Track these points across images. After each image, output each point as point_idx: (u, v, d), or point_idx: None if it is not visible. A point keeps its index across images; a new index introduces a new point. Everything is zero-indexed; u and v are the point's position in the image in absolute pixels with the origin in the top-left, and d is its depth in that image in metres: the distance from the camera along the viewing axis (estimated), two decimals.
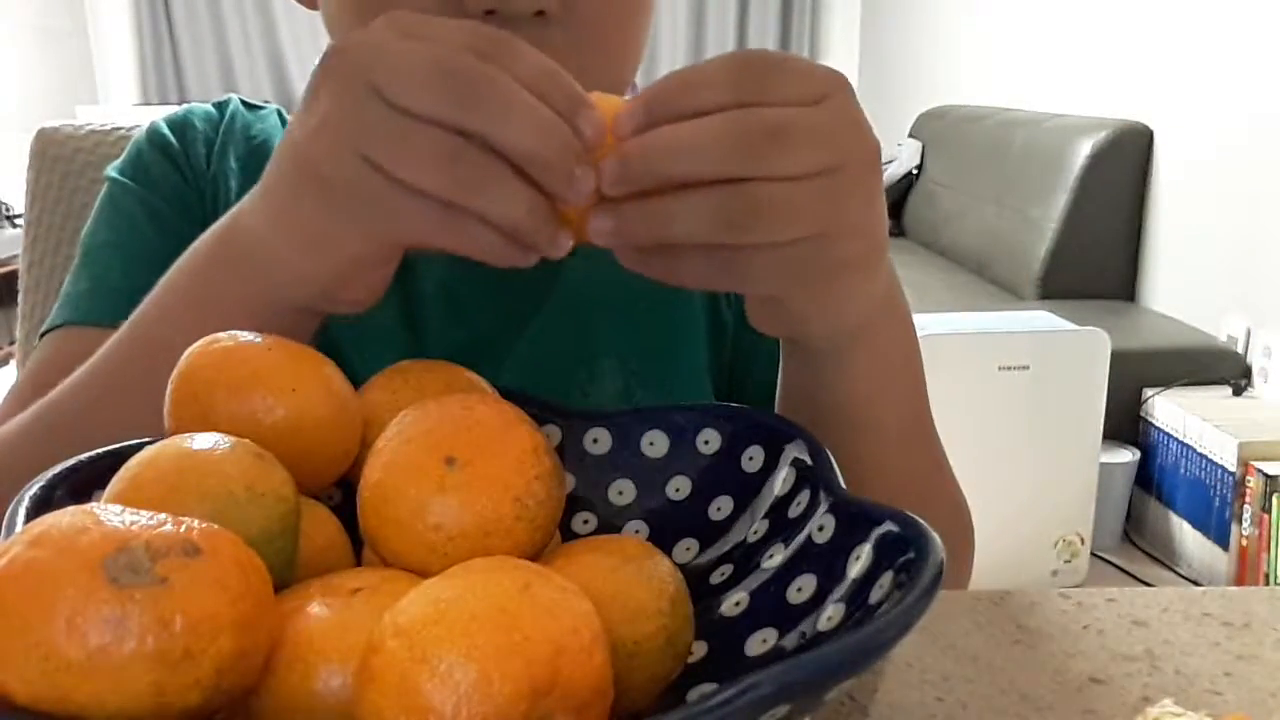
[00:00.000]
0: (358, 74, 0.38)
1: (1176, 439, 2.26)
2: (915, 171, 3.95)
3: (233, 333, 0.38)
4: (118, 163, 0.65)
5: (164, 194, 0.64)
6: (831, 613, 0.34)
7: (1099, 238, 2.79)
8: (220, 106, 0.69)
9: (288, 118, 0.70)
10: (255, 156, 0.66)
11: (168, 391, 0.37)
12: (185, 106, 0.69)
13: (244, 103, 0.69)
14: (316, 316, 0.46)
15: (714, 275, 0.40)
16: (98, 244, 0.63)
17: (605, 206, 0.38)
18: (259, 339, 0.38)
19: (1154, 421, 2.34)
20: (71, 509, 0.27)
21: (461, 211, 0.38)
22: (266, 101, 0.71)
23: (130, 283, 0.61)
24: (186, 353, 0.37)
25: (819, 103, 0.39)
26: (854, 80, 5.21)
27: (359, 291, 0.44)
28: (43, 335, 0.61)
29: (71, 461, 0.35)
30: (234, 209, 0.47)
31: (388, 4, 0.53)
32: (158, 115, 0.68)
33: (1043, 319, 2.20)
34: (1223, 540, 2.14)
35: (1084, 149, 2.76)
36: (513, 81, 0.37)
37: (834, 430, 0.46)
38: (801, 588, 0.36)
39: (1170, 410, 2.28)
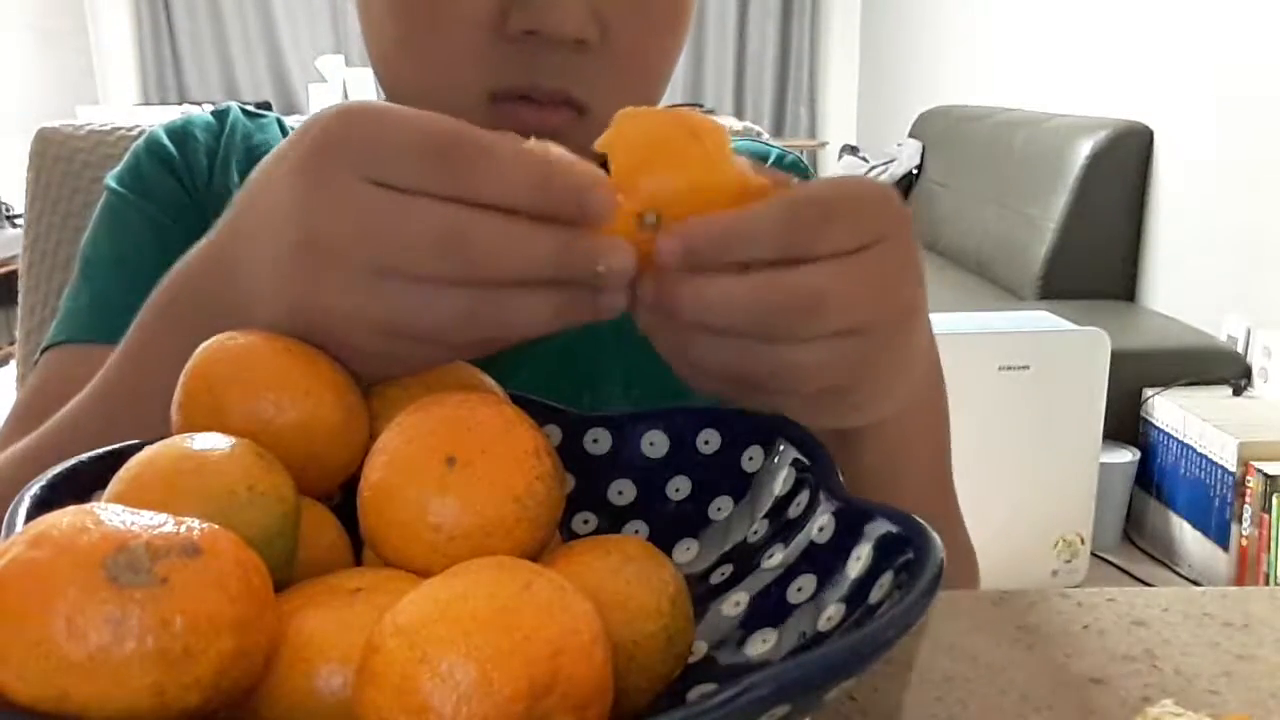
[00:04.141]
0: (355, 255, 0.36)
1: (1176, 439, 2.27)
2: (915, 171, 3.95)
3: (248, 330, 0.38)
4: (116, 171, 0.65)
5: (164, 205, 0.63)
6: (831, 613, 0.34)
7: (1099, 238, 2.79)
8: (220, 115, 0.68)
9: (288, 127, 0.70)
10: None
11: (179, 384, 0.37)
12: (184, 115, 0.68)
13: (244, 110, 0.69)
14: None
15: (725, 390, 0.41)
16: (98, 257, 0.63)
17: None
18: (276, 339, 0.38)
19: (1154, 421, 2.34)
20: (71, 509, 0.27)
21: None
22: (267, 103, 0.71)
23: (131, 300, 0.61)
24: (201, 347, 0.37)
25: (869, 248, 0.37)
26: (854, 80, 5.23)
27: None
28: (44, 350, 0.61)
29: (72, 462, 0.35)
30: (209, 266, 0.44)
31: (433, 8, 0.53)
32: (158, 115, 0.68)
33: (1043, 319, 2.20)
34: (1223, 540, 2.14)
35: (1084, 149, 2.76)
36: (502, 224, 0.35)
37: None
38: (801, 588, 0.36)
39: (1170, 410, 2.28)
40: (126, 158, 0.65)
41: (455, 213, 0.35)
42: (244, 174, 0.65)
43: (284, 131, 0.69)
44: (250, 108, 0.70)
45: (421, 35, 0.54)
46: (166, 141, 0.65)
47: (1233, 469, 2.08)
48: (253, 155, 0.66)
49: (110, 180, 0.64)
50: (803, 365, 0.37)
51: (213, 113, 0.68)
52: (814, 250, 0.36)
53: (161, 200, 0.64)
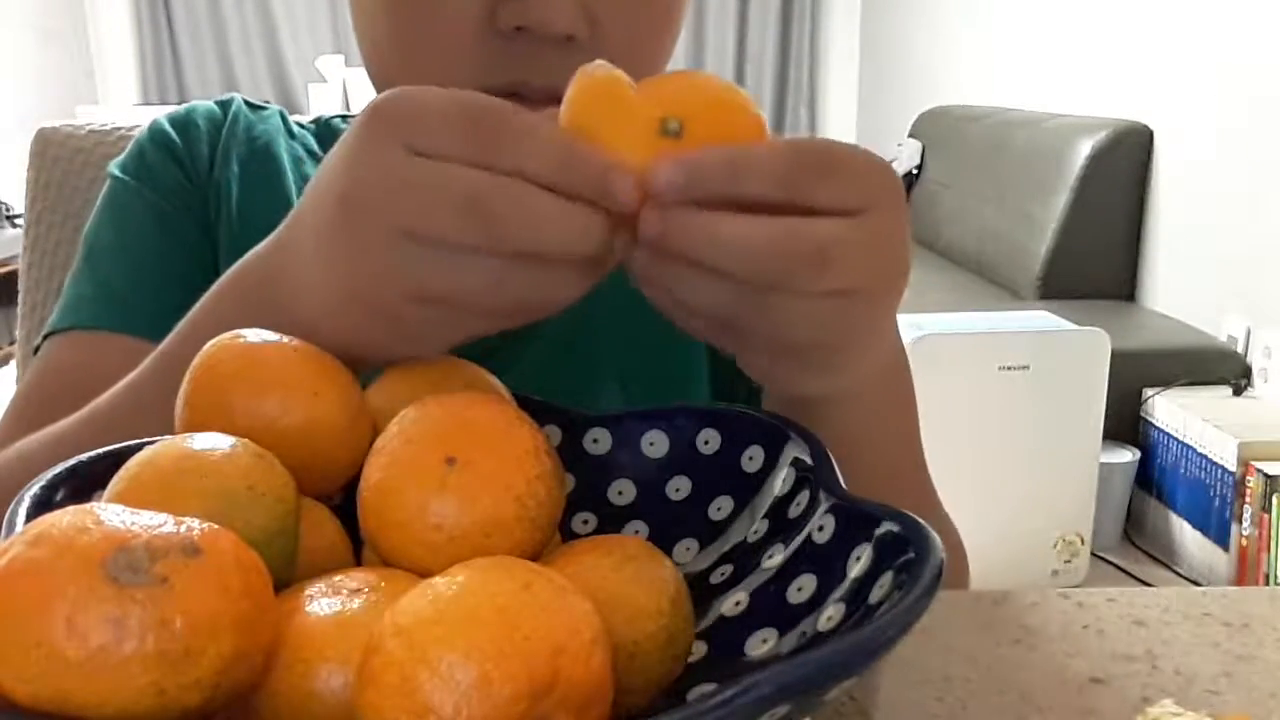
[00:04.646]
0: (384, 215, 0.37)
1: (1176, 439, 2.26)
2: (915, 171, 3.95)
3: (258, 330, 0.38)
4: (120, 159, 0.65)
5: (167, 193, 0.64)
6: (831, 613, 0.34)
7: (1099, 238, 2.79)
8: (223, 105, 0.68)
9: (290, 120, 0.70)
10: (257, 160, 0.65)
11: (184, 381, 0.37)
12: (188, 104, 0.69)
13: (247, 103, 0.69)
14: None
15: (711, 333, 0.41)
16: (101, 245, 0.63)
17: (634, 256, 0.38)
18: (284, 340, 0.38)
19: (1154, 421, 2.34)
20: (72, 509, 0.27)
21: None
22: (267, 102, 0.71)
23: (134, 288, 0.61)
24: (208, 345, 0.37)
25: (864, 212, 0.37)
26: (854, 80, 5.22)
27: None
28: (46, 336, 0.61)
29: (72, 462, 0.35)
30: (263, 268, 0.44)
31: (423, 4, 0.53)
32: (157, 115, 0.68)
33: (1043, 319, 2.20)
34: (1223, 540, 2.14)
35: (1084, 149, 2.76)
36: (533, 194, 0.35)
37: None
38: (801, 588, 0.36)
39: (1170, 410, 2.28)
40: (130, 146, 0.66)
41: (477, 179, 0.35)
42: (244, 165, 0.65)
43: (286, 124, 0.69)
44: (253, 100, 0.70)
45: (412, 31, 0.54)
46: (170, 130, 0.66)
47: (1233, 469, 2.08)
48: (254, 146, 0.66)
49: (113, 168, 0.65)
50: (795, 319, 0.38)
51: (216, 103, 0.68)
52: (814, 199, 0.36)
53: (164, 188, 0.64)
